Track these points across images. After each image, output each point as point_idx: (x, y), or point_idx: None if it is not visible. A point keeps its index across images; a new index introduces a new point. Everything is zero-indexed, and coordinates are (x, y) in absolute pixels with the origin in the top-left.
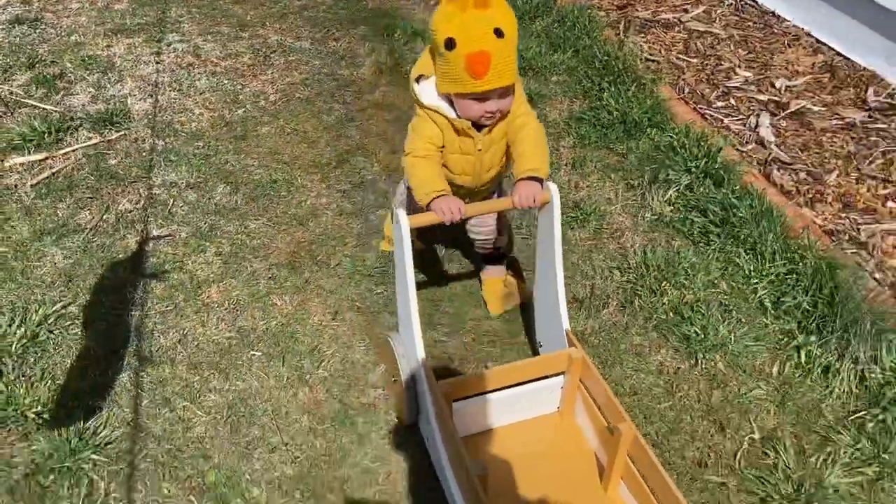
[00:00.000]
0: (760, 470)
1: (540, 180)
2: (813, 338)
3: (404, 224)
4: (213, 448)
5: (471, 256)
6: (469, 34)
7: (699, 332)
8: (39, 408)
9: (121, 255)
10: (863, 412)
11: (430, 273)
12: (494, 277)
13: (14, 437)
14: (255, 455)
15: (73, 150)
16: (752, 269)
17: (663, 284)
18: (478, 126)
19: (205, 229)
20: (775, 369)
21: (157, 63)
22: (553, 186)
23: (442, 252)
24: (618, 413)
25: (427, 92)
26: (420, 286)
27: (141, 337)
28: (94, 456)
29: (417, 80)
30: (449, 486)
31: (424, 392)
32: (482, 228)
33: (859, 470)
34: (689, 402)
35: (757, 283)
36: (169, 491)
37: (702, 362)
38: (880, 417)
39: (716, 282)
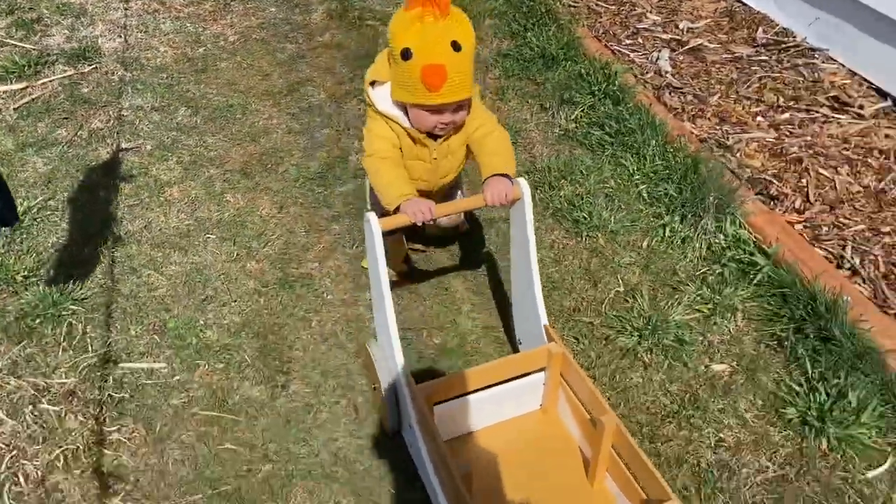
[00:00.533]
0: (621, 312)
1: (509, 177)
2: (676, 217)
3: (375, 228)
4: (173, 304)
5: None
6: (426, 45)
7: (587, 216)
8: (27, 273)
9: (93, 163)
10: (705, 268)
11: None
12: None
13: (6, 295)
14: (208, 308)
15: (50, 81)
16: (635, 168)
17: (561, 182)
18: (433, 135)
19: (167, 142)
20: (644, 243)
21: (126, 9)
22: (524, 183)
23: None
24: (600, 405)
25: (381, 98)
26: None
27: (111, 224)
28: (73, 307)
29: (372, 84)
30: (434, 491)
31: (405, 397)
32: (448, 222)
33: (697, 308)
34: (572, 267)
35: (638, 179)
36: (135, 332)
37: (586, 239)
38: (718, 271)
39: (605, 180)
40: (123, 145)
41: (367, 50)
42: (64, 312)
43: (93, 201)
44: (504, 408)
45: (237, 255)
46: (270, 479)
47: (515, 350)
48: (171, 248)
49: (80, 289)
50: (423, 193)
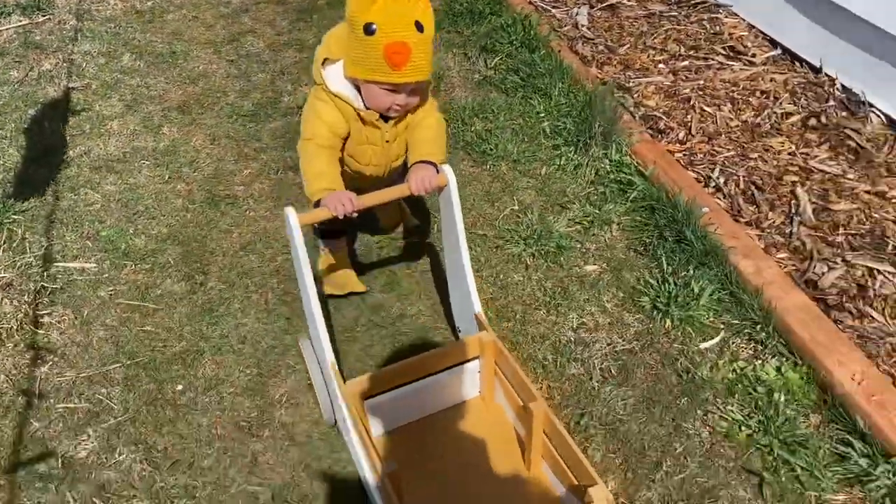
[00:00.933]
0: (512, 226)
1: (435, 165)
2: (571, 148)
3: (294, 222)
4: (107, 216)
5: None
6: (391, 22)
7: (493, 148)
8: None
9: (42, 100)
10: (591, 189)
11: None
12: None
13: None
14: (138, 221)
15: (6, 29)
16: (542, 107)
17: (473, 119)
18: (385, 117)
19: (111, 83)
20: (542, 170)
21: None
22: (448, 169)
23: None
24: (529, 392)
25: (334, 78)
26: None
27: (54, 151)
28: (15, 216)
29: (323, 63)
30: (368, 487)
31: (335, 393)
32: (385, 207)
33: (578, 222)
34: (474, 190)
35: (543, 116)
36: (70, 238)
37: (491, 167)
38: (601, 191)
39: (514, 117)
40: (70, 84)
41: (309, 4)
42: (6, 221)
43: (39, 132)
44: (444, 396)
45: (168, 178)
46: (183, 354)
47: (458, 338)
48: (108, 171)
49: (23, 203)
50: (374, 180)
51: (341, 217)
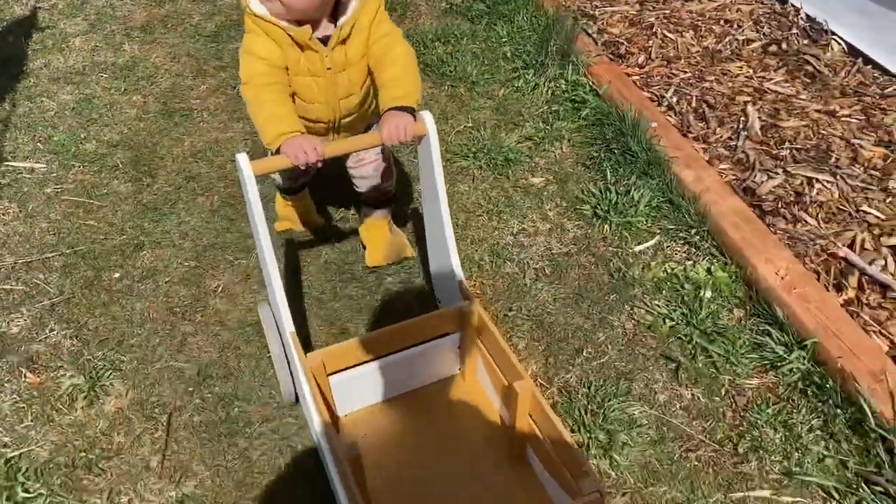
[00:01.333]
0: (464, 141)
1: (411, 110)
2: (531, 70)
3: (246, 170)
4: (60, 122)
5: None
6: None
7: (453, 70)
8: None
9: (7, 17)
10: (546, 108)
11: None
12: (378, 219)
13: None
14: (91, 128)
15: None
16: (505, 33)
17: (435, 43)
18: (323, 40)
19: (78, 3)
20: (500, 92)
21: None
22: (428, 116)
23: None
24: (514, 369)
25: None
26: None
27: (15, 62)
28: None
29: None
30: (328, 470)
31: (296, 367)
32: (361, 169)
33: (530, 137)
34: (433, 111)
35: (506, 41)
36: (22, 141)
37: (448, 88)
38: (555, 109)
39: (477, 42)
40: (37, 4)
41: None
42: None
43: (1, 45)
44: (418, 374)
45: (125, 90)
46: (123, 246)
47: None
48: (66, 82)
49: None
50: (326, 129)
51: (303, 167)
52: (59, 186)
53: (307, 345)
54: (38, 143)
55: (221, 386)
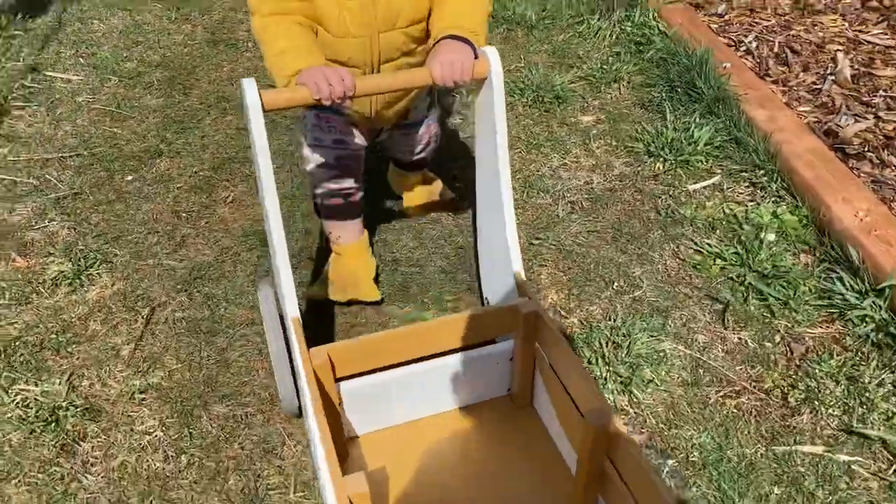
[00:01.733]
0: (514, 79)
1: (471, 44)
2: (595, 16)
3: (253, 99)
4: (106, 42)
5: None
6: None
7: (511, 14)
8: None
9: None
10: (607, 50)
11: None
12: (408, 173)
13: None
14: (135, 49)
15: None
16: None
17: None
18: None
19: None
20: (560, 37)
21: None
22: (493, 53)
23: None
24: (588, 392)
25: None
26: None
27: None
28: (17, 32)
29: None
30: (324, 498)
31: (298, 366)
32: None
33: (584, 77)
34: None
35: None
36: (66, 55)
37: (504, 31)
38: (616, 51)
39: None
40: None
41: None
42: (4, 35)
43: None
44: (456, 390)
45: (176, 18)
46: (141, 153)
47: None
48: (120, 9)
49: (30, 22)
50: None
51: (327, 102)
52: (91, 97)
53: (316, 339)
54: (80, 58)
55: (212, 287)
